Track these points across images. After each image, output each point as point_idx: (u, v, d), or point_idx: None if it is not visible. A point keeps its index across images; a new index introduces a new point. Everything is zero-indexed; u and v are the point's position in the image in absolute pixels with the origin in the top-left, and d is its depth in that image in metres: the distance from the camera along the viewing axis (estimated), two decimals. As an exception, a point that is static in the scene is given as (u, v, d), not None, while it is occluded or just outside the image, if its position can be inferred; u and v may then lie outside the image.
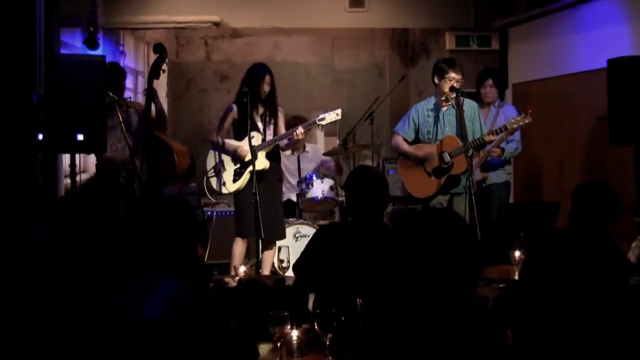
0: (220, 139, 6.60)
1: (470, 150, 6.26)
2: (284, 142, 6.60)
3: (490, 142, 6.31)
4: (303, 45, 9.36)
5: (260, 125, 6.52)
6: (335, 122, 6.62)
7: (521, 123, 6.22)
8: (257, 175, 6.24)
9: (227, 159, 6.62)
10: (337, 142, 8.71)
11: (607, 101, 6.39)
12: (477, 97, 7.34)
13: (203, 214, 6.68)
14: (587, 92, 7.73)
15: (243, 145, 6.45)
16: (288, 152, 7.95)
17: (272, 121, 6.56)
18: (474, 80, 7.72)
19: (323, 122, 6.53)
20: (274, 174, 6.61)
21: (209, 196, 6.87)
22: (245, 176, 6.46)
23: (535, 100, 8.57)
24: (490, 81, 7.44)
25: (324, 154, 8.21)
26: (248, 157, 6.36)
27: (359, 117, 7.96)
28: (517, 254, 4.78)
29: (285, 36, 9.28)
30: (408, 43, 9.56)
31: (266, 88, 6.46)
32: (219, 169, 6.58)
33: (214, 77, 9.18)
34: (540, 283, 3.37)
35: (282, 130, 6.58)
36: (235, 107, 6.53)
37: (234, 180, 6.51)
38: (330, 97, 9.25)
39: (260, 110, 6.55)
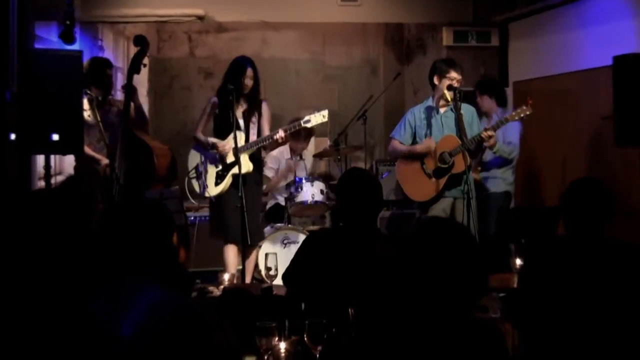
0: (203, 136, 6.59)
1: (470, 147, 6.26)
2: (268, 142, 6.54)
3: (489, 137, 6.28)
4: (292, 40, 9.36)
5: (242, 124, 6.49)
6: (321, 124, 6.60)
7: (522, 115, 6.26)
8: (241, 178, 6.21)
9: (209, 160, 6.60)
10: (328, 142, 8.70)
11: (613, 100, 6.39)
12: (475, 102, 7.32)
13: (186, 219, 6.65)
14: (591, 91, 7.74)
15: (225, 142, 6.45)
16: (287, 156, 7.92)
17: (256, 119, 6.54)
18: (472, 79, 7.71)
19: (308, 125, 6.51)
20: (255, 177, 6.58)
21: (191, 199, 6.83)
22: (228, 179, 6.46)
23: (537, 99, 8.51)
24: (476, 92, 7.44)
25: (314, 156, 8.19)
26: (230, 156, 6.39)
27: (351, 116, 7.95)
28: (518, 261, 4.77)
29: (273, 31, 9.28)
30: (403, 39, 9.58)
31: (248, 82, 6.44)
32: (200, 170, 6.55)
33: (198, 74, 9.17)
34: (547, 293, 3.36)
35: (266, 129, 6.57)
36: (217, 101, 6.53)
37: (216, 184, 6.50)
38: (321, 95, 9.26)
39: (243, 107, 6.52)
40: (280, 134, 6.37)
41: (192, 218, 7.51)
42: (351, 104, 8.79)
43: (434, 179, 6.30)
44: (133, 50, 6.39)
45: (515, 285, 4.59)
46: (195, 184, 6.58)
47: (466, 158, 6.04)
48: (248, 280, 6.41)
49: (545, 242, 3.71)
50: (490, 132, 6.21)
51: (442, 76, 6.31)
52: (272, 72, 9.10)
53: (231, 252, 6.54)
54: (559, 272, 3.39)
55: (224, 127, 6.46)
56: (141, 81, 8.32)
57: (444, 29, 9.42)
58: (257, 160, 6.62)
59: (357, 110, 7.82)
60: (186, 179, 6.63)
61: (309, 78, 9.41)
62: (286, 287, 4.03)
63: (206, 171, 6.55)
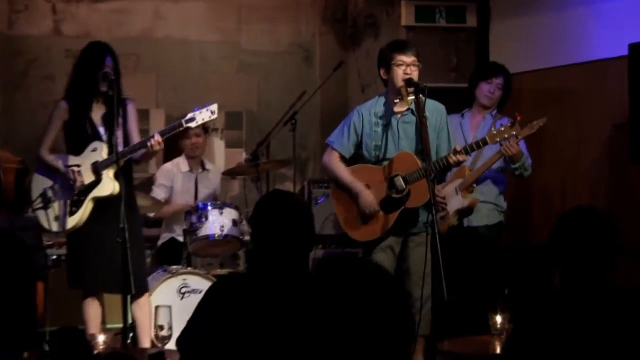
0: (51, 155, 6.52)
1: (433, 175, 6.09)
2: (139, 152, 6.46)
3: (458, 164, 6.13)
4: (196, 15, 9.38)
5: (102, 131, 6.45)
6: (210, 122, 6.64)
7: (506, 135, 6.12)
8: (106, 203, 6.25)
9: (61, 184, 6.48)
10: (244, 156, 8.69)
11: (629, 102, 6.49)
12: (466, 95, 7.35)
13: (46, 258, 6.59)
14: (600, 90, 7.85)
15: (76, 166, 6.40)
16: (186, 169, 7.89)
17: (120, 124, 6.49)
18: (441, 72, 7.75)
19: (192, 124, 6.44)
20: (128, 201, 6.50)
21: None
22: (87, 206, 6.38)
23: (529, 100, 8.67)
24: (500, 79, 7.36)
25: (224, 173, 8.16)
26: (89, 175, 6.36)
27: (275, 120, 7.97)
28: (499, 319, 4.81)
29: (170, 2, 9.27)
30: (348, 16, 9.65)
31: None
32: (49, 197, 6.43)
33: (65, 59, 9.08)
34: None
35: (135, 135, 6.56)
36: (66, 106, 6.47)
37: (72, 213, 6.40)
38: (235, 91, 9.29)
39: (101, 109, 6.48)
40: (157, 138, 6.29)
41: (55, 257, 7.41)
42: (276, 103, 8.83)
43: (381, 213, 6.19)
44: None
45: (496, 351, 4.64)
46: (42, 216, 6.44)
47: (430, 187, 5.79)
48: (147, 344, 6.32)
49: (534, 298, 3.70)
50: (461, 157, 6.03)
51: (388, 66, 6.18)
52: (168, 57, 9.09)
53: (91, 307, 6.49)
54: (549, 339, 3.40)
55: (79, 139, 6.44)
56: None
57: (403, 4, 9.42)
58: (129, 177, 6.60)
59: (285, 112, 7.83)
60: (30, 210, 6.50)
61: (219, 67, 9.43)
62: (181, 355, 4.00)
63: (57, 198, 6.45)
